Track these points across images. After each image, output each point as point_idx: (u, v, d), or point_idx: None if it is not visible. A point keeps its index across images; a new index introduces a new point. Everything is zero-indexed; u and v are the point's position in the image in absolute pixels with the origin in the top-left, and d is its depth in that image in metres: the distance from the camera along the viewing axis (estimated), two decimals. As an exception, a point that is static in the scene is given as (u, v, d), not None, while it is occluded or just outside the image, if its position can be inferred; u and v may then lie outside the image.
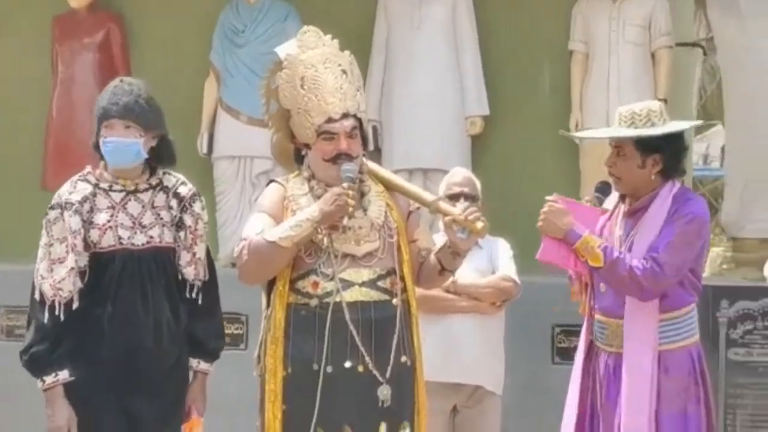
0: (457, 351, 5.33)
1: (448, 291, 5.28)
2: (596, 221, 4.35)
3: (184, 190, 4.26)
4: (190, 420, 4.26)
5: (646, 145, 4.29)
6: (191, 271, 4.24)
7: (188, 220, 4.24)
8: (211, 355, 4.33)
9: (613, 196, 4.50)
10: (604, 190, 4.50)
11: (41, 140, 7.62)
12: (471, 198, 5.35)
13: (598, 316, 4.42)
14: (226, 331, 6.64)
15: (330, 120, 4.05)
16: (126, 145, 4.11)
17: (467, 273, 5.28)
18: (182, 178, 4.31)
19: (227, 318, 6.65)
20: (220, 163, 7.33)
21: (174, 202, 4.23)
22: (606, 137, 4.48)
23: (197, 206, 4.28)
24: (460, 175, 5.61)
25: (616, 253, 4.25)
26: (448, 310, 5.34)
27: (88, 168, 4.20)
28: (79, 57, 7.59)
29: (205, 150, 7.35)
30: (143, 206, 4.17)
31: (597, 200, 4.49)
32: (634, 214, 4.36)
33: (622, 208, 4.42)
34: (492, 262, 5.49)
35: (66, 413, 4.04)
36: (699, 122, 4.71)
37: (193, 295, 4.25)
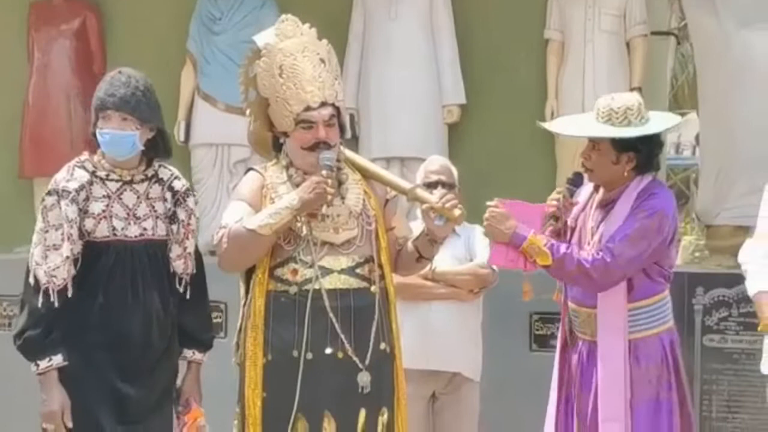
0: (435, 338, 5.36)
1: (426, 278, 5.30)
2: (540, 219, 4.35)
3: (178, 185, 4.27)
4: (191, 410, 4.27)
5: (621, 144, 4.32)
6: (181, 264, 4.25)
7: (182, 214, 4.25)
8: (205, 346, 4.36)
9: (586, 188, 4.52)
10: (576, 181, 4.51)
11: (17, 128, 7.61)
12: (448, 186, 5.37)
13: (570, 305, 4.47)
14: (205, 320, 6.77)
15: (308, 108, 4.07)
16: (121, 137, 4.10)
17: (445, 260, 5.31)
18: (176, 172, 4.32)
19: (206, 306, 6.73)
20: (197, 151, 7.33)
21: (168, 195, 4.24)
22: (581, 136, 4.48)
23: (191, 201, 4.29)
24: (437, 163, 5.64)
25: (563, 249, 4.28)
26: (425, 297, 5.37)
27: (86, 155, 4.19)
28: (56, 44, 7.59)
29: (182, 138, 7.35)
30: (138, 197, 4.18)
31: (568, 191, 4.50)
32: (605, 207, 4.40)
33: (596, 198, 4.46)
34: (469, 250, 5.52)
35: (59, 398, 4.05)
36: (678, 120, 4.73)
37: (182, 288, 4.26)
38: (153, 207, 4.20)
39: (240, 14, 7.25)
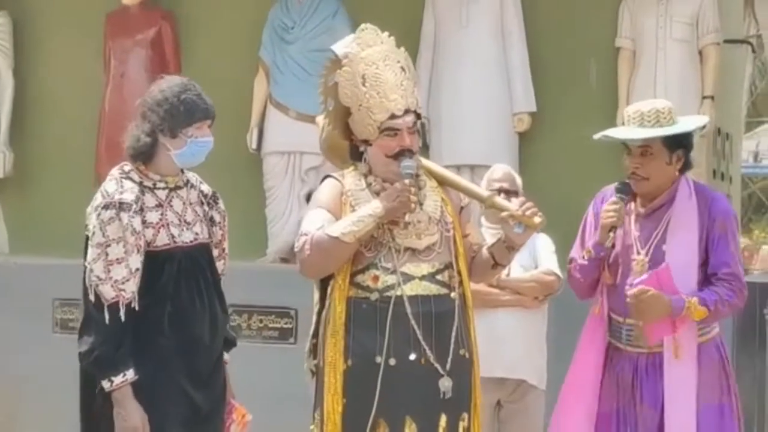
0: (501, 346, 5.35)
1: (491, 285, 5.31)
2: (666, 275, 4.28)
3: (206, 188, 4.30)
4: (236, 408, 4.29)
5: (673, 142, 4.34)
6: (220, 265, 4.29)
7: (217, 216, 4.28)
8: (232, 344, 4.37)
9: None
10: (625, 190, 4.48)
11: (94, 136, 7.74)
12: (513, 194, 5.36)
13: (626, 320, 4.40)
14: (276, 326, 6.83)
15: (393, 116, 4.07)
16: (210, 144, 4.16)
17: (510, 268, 5.32)
18: (197, 175, 4.33)
19: (276, 312, 6.81)
20: (269, 158, 7.40)
21: (202, 198, 4.27)
22: (646, 137, 4.36)
23: (221, 203, 4.32)
24: (500, 171, 5.63)
25: (711, 298, 4.27)
26: (491, 304, 5.37)
27: (129, 165, 4.15)
28: (131, 53, 7.70)
29: (254, 145, 7.43)
30: (183, 203, 4.18)
31: (622, 201, 4.47)
32: (653, 213, 4.38)
33: (633, 208, 4.43)
34: (533, 257, 5.51)
35: (139, 412, 4.01)
36: (706, 120, 4.76)
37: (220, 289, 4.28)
38: (196, 211, 4.21)
39: (312, 23, 7.31)
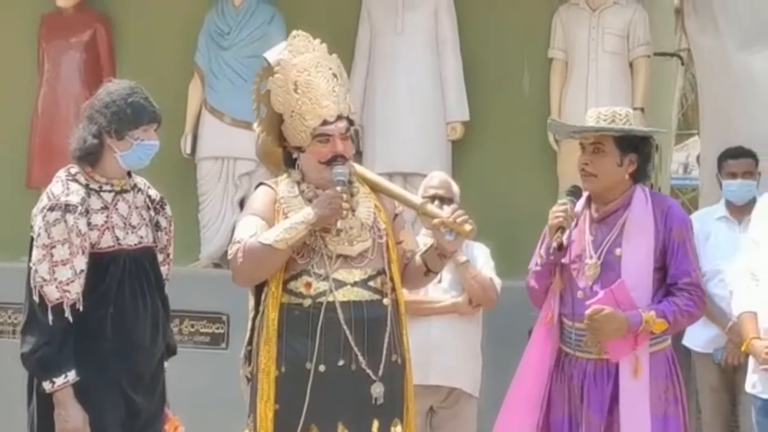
0: (435, 353, 5.39)
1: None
2: (623, 290, 4.30)
3: (153, 193, 4.33)
4: (170, 419, 4.29)
5: (626, 144, 4.36)
6: (165, 270, 4.31)
7: (163, 222, 4.31)
8: (173, 352, 4.39)
9: (578, 203, 4.52)
10: (576, 193, 4.53)
11: (26, 139, 7.67)
12: (447, 201, 5.42)
13: (576, 324, 4.40)
14: (207, 331, 6.83)
15: (325, 123, 4.09)
16: (156, 147, 4.19)
17: (448, 278, 5.37)
18: (145, 180, 4.35)
19: (208, 318, 6.80)
20: (203, 163, 7.37)
21: (149, 203, 4.29)
22: (600, 129, 4.40)
23: (168, 209, 4.35)
24: (437, 178, 5.68)
25: (669, 309, 4.29)
26: (423, 313, 5.40)
27: (75, 168, 4.18)
28: (65, 56, 7.63)
29: (188, 151, 7.41)
30: (129, 206, 4.20)
31: (571, 203, 4.51)
32: (606, 219, 4.40)
33: (588, 213, 4.46)
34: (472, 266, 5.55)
35: (81, 414, 4.02)
36: (664, 131, 4.81)
37: (164, 293, 4.30)
38: (141, 215, 4.23)
39: (248, 29, 7.30)
